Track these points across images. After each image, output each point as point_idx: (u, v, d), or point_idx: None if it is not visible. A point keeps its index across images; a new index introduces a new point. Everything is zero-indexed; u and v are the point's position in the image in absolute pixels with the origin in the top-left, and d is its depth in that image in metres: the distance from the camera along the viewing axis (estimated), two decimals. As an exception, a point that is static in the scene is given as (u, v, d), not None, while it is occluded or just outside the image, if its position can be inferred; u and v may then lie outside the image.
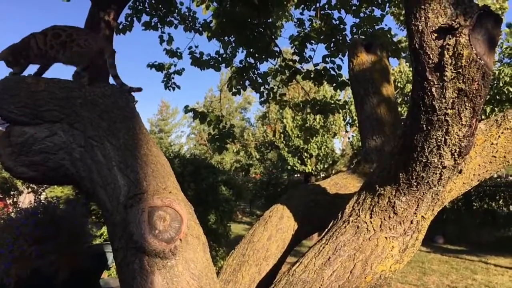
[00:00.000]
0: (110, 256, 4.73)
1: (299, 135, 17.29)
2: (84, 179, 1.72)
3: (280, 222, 2.23)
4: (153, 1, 5.91)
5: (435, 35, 1.14)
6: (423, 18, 1.15)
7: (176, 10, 6.18)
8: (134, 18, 6.05)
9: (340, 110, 6.68)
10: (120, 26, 5.95)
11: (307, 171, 17.44)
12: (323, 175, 17.50)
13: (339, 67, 5.94)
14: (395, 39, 6.08)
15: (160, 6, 5.96)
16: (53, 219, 3.72)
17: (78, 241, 3.81)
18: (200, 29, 6.46)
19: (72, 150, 1.73)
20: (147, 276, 1.48)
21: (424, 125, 1.26)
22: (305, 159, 17.48)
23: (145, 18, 6.10)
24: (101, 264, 4.82)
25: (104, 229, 5.94)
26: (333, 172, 16.23)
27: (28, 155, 1.75)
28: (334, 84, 5.91)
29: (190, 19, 6.42)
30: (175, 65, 6.80)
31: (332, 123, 17.46)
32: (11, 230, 3.48)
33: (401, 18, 9.54)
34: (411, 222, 1.52)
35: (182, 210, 1.54)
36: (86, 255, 3.89)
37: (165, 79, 6.82)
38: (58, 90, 1.78)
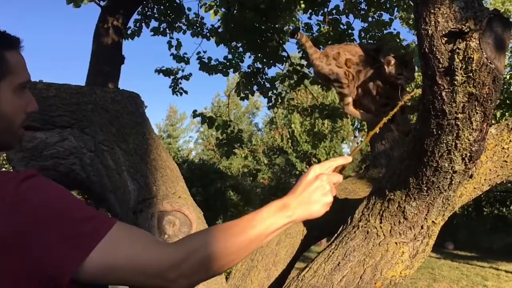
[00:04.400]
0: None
1: (307, 140, 17.26)
2: (94, 184, 1.73)
3: (289, 227, 2.22)
4: (162, 7, 5.95)
5: (445, 39, 1.14)
6: (433, 22, 1.14)
7: (185, 16, 6.22)
8: (143, 24, 6.09)
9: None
10: (129, 32, 6.00)
11: (315, 176, 17.37)
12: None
13: (347, 72, 5.93)
14: (404, 44, 6.07)
15: (168, 11, 6.00)
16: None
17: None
18: (208, 34, 6.49)
19: (82, 155, 1.75)
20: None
21: (434, 130, 1.25)
22: (314, 164, 17.45)
23: (153, 23, 6.15)
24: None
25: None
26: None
27: (39, 160, 1.76)
28: (342, 89, 5.90)
29: (198, 25, 6.45)
30: (182, 70, 6.83)
31: (340, 128, 17.41)
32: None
33: (410, 22, 9.52)
34: (422, 227, 1.51)
35: (191, 214, 1.55)
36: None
37: (172, 84, 6.85)
38: (69, 95, 1.80)
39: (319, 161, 17.11)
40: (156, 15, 6.04)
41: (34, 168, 1.77)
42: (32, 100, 0.97)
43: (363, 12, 5.88)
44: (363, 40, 5.91)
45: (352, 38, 5.86)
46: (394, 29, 6.16)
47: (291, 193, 1.02)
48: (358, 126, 19.35)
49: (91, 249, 0.79)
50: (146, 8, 5.97)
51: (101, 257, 0.80)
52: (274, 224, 0.97)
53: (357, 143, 20.44)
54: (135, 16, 5.86)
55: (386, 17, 6.05)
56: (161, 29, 6.17)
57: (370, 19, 5.96)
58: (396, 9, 6.10)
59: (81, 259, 0.78)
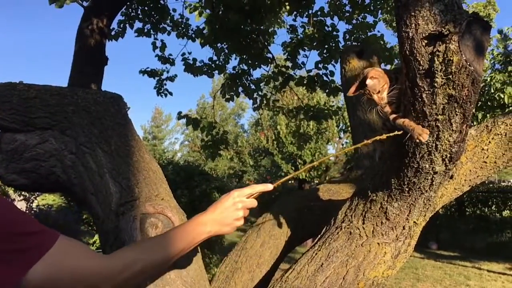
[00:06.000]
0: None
1: (293, 142, 17.31)
2: (76, 186, 1.71)
3: (273, 229, 2.22)
4: (146, 8, 5.92)
5: (425, 41, 1.15)
6: (413, 25, 1.15)
7: (169, 17, 6.20)
8: (127, 25, 6.05)
9: (333, 116, 6.71)
10: (113, 33, 5.95)
11: (301, 177, 17.44)
12: (317, 181, 17.51)
13: (332, 73, 5.98)
14: (388, 46, 6.13)
15: (153, 13, 5.97)
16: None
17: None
18: (193, 35, 6.47)
19: (63, 157, 1.72)
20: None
21: (415, 131, 1.27)
22: (299, 166, 17.49)
23: (138, 24, 6.11)
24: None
25: (97, 237, 5.90)
26: (327, 178, 16.24)
27: (19, 162, 1.73)
28: (327, 90, 5.94)
29: (183, 26, 6.43)
30: (167, 72, 6.80)
31: (325, 129, 17.50)
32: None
33: (394, 24, 9.60)
34: (403, 228, 1.52)
35: (174, 217, 1.54)
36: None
37: (157, 85, 6.81)
38: (50, 97, 1.77)
39: (305, 162, 17.17)
40: (140, 16, 6.00)
41: (15, 170, 1.74)
42: None
43: (348, 14, 5.93)
44: (347, 42, 5.96)
45: (336, 40, 5.90)
46: (378, 31, 6.24)
47: (210, 211, 1.22)
48: (343, 128, 19.48)
49: (35, 262, 0.85)
50: (130, 9, 5.93)
51: (45, 268, 0.86)
52: (196, 238, 1.16)
53: (342, 144, 20.57)
54: (119, 17, 5.82)
55: (370, 19, 6.12)
56: (146, 30, 6.14)
57: (354, 21, 6.01)
58: (380, 11, 6.16)
59: (23, 273, 0.83)
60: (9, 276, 0.81)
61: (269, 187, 1.27)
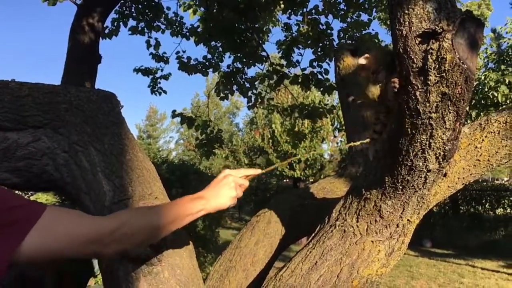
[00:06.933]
0: (96, 264, 4.68)
1: (288, 140, 17.32)
2: (68, 185, 1.70)
3: (267, 227, 2.22)
4: (140, 6, 5.90)
5: (419, 39, 1.15)
6: (407, 23, 1.15)
7: (163, 15, 6.17)
8: (121, 23, 6.03)
9: (328, 115, 6.71)
10: (106, 31, 5.92)
11: (295, 176, 17.46)
12: (312, 180, 17.53)
13: (326, 72, 5.98)
14: (382, 44, 6.14)
15: (146, 11, 5.95)
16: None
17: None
18: (187, 34, 6.45)
19: (56, 155, 1.71)
20: (133, 283, 1.46)
21: (409, 129, 1.27)
22: (294, 164, 17.51)
23: (131, 23, 6.09)
24: (87, 270, 4.76)
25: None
26: (322, 177, 16.27)
27: (11, 161, 1.72)
28: (322, 89, 5.94)
29: (177, 24, 6.41)
30: (161, 70, 6.78)
31: (320, 128, 17.52)
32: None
33: (388, 23, 9.62)
34: (397, 226, 1.52)
35: (167, 215, 1.53)
36: (72, 263, 3.83)
37: (151, 84, 6.79)
38: (42, 95, 1.76)
39: (299, 161, 17.18)
40: (134, 14, 5.98)
41: (7, 169, 1.73)
42: None
43: (342, 12, 5.94)
44: (341, 41, 5.96)
45: (331, 38, 5.90)
46: (373, 30, 6.24)
47: (205, 189, 1.29)
48: (338, 126, 19.50)
49: (27, 232, 0.86)
50: (124, 7, 5.90)
51: (40, 237, 0.87)
52: (191, 208, 1.19)
53: (337, 142, 20.61)
54: (113, 15, 5.80)
55: (364, 17, 6.13)
56: (139, 28, 6.12)
57: (349, 19, 6.01)
58: (374, 9, 6.17)
59: (17, 244, 0.84)
60: (2, 250, 0.82)
61: (258, 171, 1.42)
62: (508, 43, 11.46)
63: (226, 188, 1.28)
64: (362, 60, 1.39)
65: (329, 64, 6.01)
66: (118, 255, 1.12)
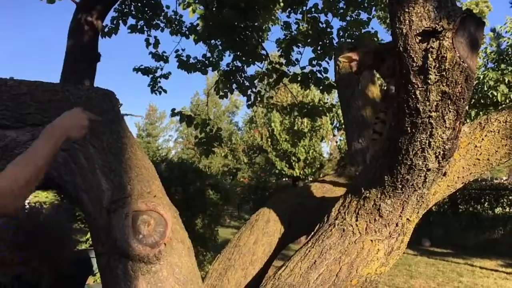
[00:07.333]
0: (95, 262, 4.67)
1: (287, 139, 17.30)
2: (67, 183, 1.69)
3: (266, 226, 2.21)
4: (139, 4, 5.88)
5: (419, 38, 1.15)
6: (407, 21, 1.15)
7: (163, 13, 6.16)
8: (120, 21, 6.01)
9: (328, 113, 6.70)
10: (106, 29, 5.90)
11: (295, 175, 17.43)
12: (311, 179, 17.51)
13: (326, 70, 5.96)
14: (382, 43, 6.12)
15: (146, 9, 5.93)
16: (36, 224, 3.66)
17: (62, 246, 3.75)
18: (187, 32, 6.43)
19: (54, 154, 1.70)
20: (131, 281, 1.46)
21: (409, 128, 1.26)
22: (293, 163, 17.49)
23: (131, 21, 6.07)
24: (86, 270, 4.75)
25: (89, 235, 5.86)
26: (321, 175, 16.25)
27: (9, 159, 1.71)
28: (321, 87, 5.93)
29: (176, 23, 6.40)
30: (161, 69, 6.76)
31: (320, 126, 17.49)
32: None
33: (388, 21, 9.62)
34: (396, 225, 1.52)
35: (166, 214, 1.53)
36: (71, 261, 3.83)
37: (151, 83, 6.77)
38: (41, 93, 1.75)
39: (299, 159, 17.17)
40: (133, 13, 5.96)
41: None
42: None
43: (342, 11, 5.91)
44: (341, 39, 5.95)
45: (330, 36, 5.89)
46: (372, 28, 6.23)
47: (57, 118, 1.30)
48: (337, 125, 19.49)
49: None
50: (123, 5, 5.88)
51: None
52: (44, 146, 1.22)
53: (336, 142, 20.59)
54: (112, 13, 5.78)
55: (364, 16, 6.11)
56: (139, 26, 6.09)
57: (348, 18, 5.99)
58: (374, 8, 6.15)
59: None
60: None
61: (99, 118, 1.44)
62: (507, 43, 11.45)
63: (68, 115, 1.30)
64: (347, 52, 1.41)
65: (328, 63, 6.00)
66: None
